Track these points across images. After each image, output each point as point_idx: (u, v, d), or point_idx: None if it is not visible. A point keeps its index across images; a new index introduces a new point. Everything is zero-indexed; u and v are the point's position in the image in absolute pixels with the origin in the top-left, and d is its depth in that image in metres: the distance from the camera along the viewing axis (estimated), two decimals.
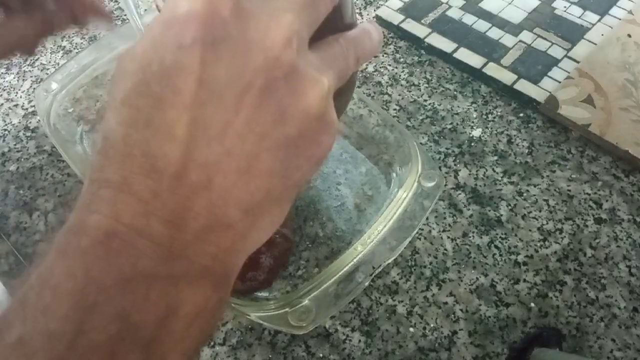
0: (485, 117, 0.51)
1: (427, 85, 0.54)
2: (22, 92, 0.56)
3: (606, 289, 0.40)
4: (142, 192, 0.16)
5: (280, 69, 0.17)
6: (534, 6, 0.60)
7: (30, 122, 0.53)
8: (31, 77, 0.57)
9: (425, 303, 0.39)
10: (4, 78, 0.57)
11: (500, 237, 0.43)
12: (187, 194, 0.16)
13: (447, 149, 0.48)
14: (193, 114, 0.16)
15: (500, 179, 0.46)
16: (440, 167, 0.47)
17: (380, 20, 0.60)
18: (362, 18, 0.61)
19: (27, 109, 0.54)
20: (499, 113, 0.51)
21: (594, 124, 0.48)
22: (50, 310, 0.16)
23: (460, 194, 0.45)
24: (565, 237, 0.43)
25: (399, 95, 0.53)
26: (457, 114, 0.51)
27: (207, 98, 0.16)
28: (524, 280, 0.40)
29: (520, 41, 0.57)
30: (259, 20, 0.17)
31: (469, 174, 0.47)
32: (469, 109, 0.51)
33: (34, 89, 0.54)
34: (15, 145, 0.51)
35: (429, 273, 0.41)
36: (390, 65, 0.55)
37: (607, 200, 0.45)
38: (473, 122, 0.50)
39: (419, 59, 0.56)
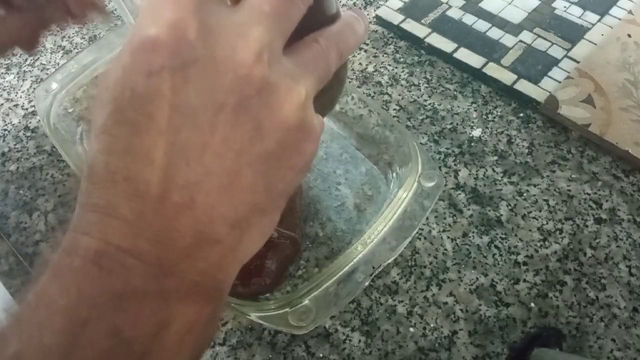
0: (485, 117, 0.51)
1: (427, 85, 0.54)
2: (22, 92, 0.56)
3: (606, 289, 0.40)
4: (127, 215, 0.16)
5: (252, 85, 0.17)
6: (534, 6, 0.60)
7: (30, 122, 0.53)
8: (31, 77, 0.57)
9: (425, 303, 0.39)
10: (4, 78, 0.57)
11: (500, 237, 0.43)
12: (171, 215, 0.17)
13: (447, 149, 0.48)
14: (169, 138, 0.16)
15: (500, 179, 0.46)
16: (440, 167, 0.47)
17: (380, 20, 0.60)
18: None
19: (27, 109, 0.54)
20: (499, 113, 0.51)
21: (594, 124, 0.48)
22: (44, 326, 0.16)
23: (460, 194, 0.45)
24: (565, 237, 0.43)
25: (399, 95, 0.53)
26: (457, 114, 0.51)
27: (181, 122, 0.16)
28: (524, 280, 0.40)
29: (520, 41, 0.57)
30: (226, 38, 0.17)
31: (469, 174, 0.47)
32: (469, 109, 0.51)
33: (34, 89, 0.54)
34: (15, 145, 0.51)
35: (429, 273, 0.41)
36: (390, 65, 0.55)
37: (607, 200, 0.45)
38: (473, 122, 0.50)
39: (419, 59, 0.56)
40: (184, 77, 0.16)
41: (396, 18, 0.59)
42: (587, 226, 0.43)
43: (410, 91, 0.53)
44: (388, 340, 0.38)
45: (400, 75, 0.54)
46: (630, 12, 0.59)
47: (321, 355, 0.37)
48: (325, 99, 0.21)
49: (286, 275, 0.40)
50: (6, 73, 0.57)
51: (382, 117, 0.43)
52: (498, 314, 0.39)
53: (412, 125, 0.50)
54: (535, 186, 0.46)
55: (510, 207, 0.44)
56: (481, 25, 0.59)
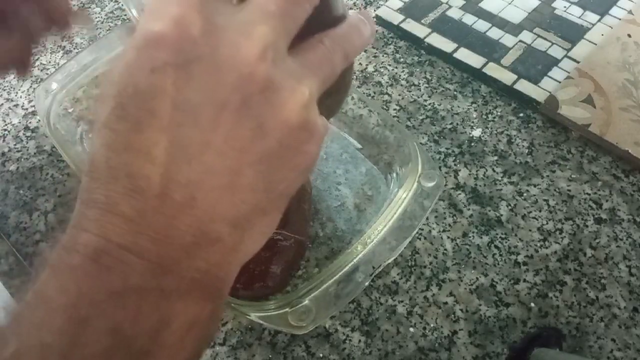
0: (485, 117, 0.51)
1: (427, 85, 0.54)
2: (22, 92, 0.56)
3: (606, 289, 0.40)
4: (128, 212, 0.16)
5: (255, 84, 0.17)
6: (534, 6, 0.60)
7: (30, 122, 0.53)
8: (31, 77, 0.57)
9: (425, 303, 0.39)
10: (4, 78, 0.57)
11: (500, 237, 0.43)
12: (172, 213, 0.17)
13: (447, 149, 0.48)
14: (170, 135, 0.16)
15: (500, 179, 0.46)
16: (440, 167, 0.47)
17: (380, 20, 0.60)
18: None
19: (27, 109, 0.54)
20: (499, 113, 0.51)
21: (594, 124, 0.48)
22: (44, 324, 0.16)
23: (460, 194, 0.45)
24: (565, 237, 0.43)
25: (399, 95, 0.53)
26: (457, 114, 0.51)
27: (182, 119, 0.16)
28: (524, 280, 0.40)
29: (520, 41, 0.57)
30: (230, 36, 0.17)
31: (469, 174, 0.47)
32: (469, 109, 0.51)
33: (34, 89, 0.54)
34: (15, 145, 0.51)
35: (429, 273, 0.41)
36: (390, 65, 0.55)
37: (607, 200, 0.45)
38: (473, 122, 0.50)
39: (419, 59, 0.56)
40: (187, 74, 0.16)
41: (396, 18, 0.59)
42: (587, 226, 0.43)
43: (410, 91, 0.53)
44: (388, 340, 0.38)
45: (400, 75, 0.54)
46: (630, 12, 0.59)
47: (321, 355, 0.37)
48: (330, 101, 0.21)
49: (291, 277, 0.40)
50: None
51: (382, 117, 0.43)
52: (498, 314, 0.39)
53: (412, 125, 0.50)
54: (535, 186, 0.46)
55: (510, 207, 0.44)
56: (481, 25, 0.59)
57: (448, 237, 0.43)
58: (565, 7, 0.60)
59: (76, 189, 0.18)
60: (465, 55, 0.55)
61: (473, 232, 0.43)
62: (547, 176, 0.46)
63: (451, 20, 0.59)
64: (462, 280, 0.40)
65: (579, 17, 0.59)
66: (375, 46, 0.57)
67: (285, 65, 0.18)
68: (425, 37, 0.57)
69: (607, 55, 0.54)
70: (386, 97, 0.53)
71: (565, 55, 0.55)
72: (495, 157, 0.48)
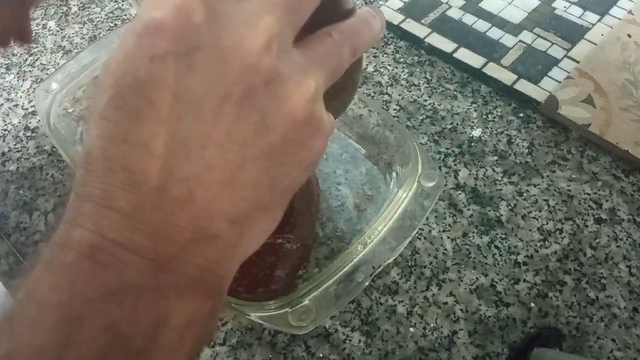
0: (485, 117, 0.51)
1: (427, 85, 0.54)
2: (22, 92, 0.56)
3: (606, 289, 0.40)
4: (124, 207, 0.16)
5: (259, 75, 0.16)
6: (534, 6, 0.60)
7: (30, 122, 0.53)
8: (31, 77, 0.57)
9: (425, 303, 0.39)
10: (4, 78, 0.57)
11: (500, 237, 0.43)
12: (169, 209, 0.16)
13: (447, 149, 0.48)
14: (170, 128, 0.16)
15: (500, 179, 0.46)
16: (440, 167, 0.47)
17: None
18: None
19: (27, 109, 0.54)
20: (499, 113, 0.51)
21: (594, 124, 0.48)
22: (36, 324, 0.15)
23: (460, 194, 0.45)
24: (565, 237, 0.43)
25: (399, 95, 0.53)
26: (457, 114, 0.51)
27: (183, 111, 0.16)
28: (524, 280, 0.40)
29: (520, 41, 0.57)
30: (234, 26, 0.16)
31: (469, 174, 0.47)
32: (469, 109, 0.51)
33: (34, 89, 0.54)
34: (15, 145, 0.51)
35: (429, 273, 0.41)
36: (390, 65, 0.55)
37: (607, 200, 0.45)
38: (473, 122, 0.50)
39: (419, 59, 0.56)
40: (188, 63, 0.16)
41: (396, 18, 0.59)
42: (587, 226, 0.43)
43: (410, 91, 0.53)
44: (388, 340, 0.38)
45: (400, 75, 0.54)
46: (630, 12, 0.59)
47: (321, 355, 0.37)
48: (337, 101, 0.20)
49: (296, 280, 0.40)
50: (6, 73, 0.57)
51: (382, 117, 0.43)
52: (498, 314, 0.39)
53: (412, 125, 0.50)
54: (535, 186, 0.46)
55: (510, 207, 0.44)
56: (481, 25, 0.59)
57: (448, 237, 0.43)
58: (565, 7, 0.60)
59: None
60: (465, 55, 0.55)
61: (473, 232, 0.43)
62: (547, 176, 0.46)
63: (451, 20, 0.59)
64: (462, 280, 0.40)
65: (579, 17, 0.59)
66: (375, 46, 0.57)
67: (290, 57, 0.17)
68: (425, 37, 0.57)
69: (607, 55, 0.54)
70: (386, 97, 0.53)
71: (565, 55, 0.55)
72: (495, 157, 0.48)
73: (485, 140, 0.49)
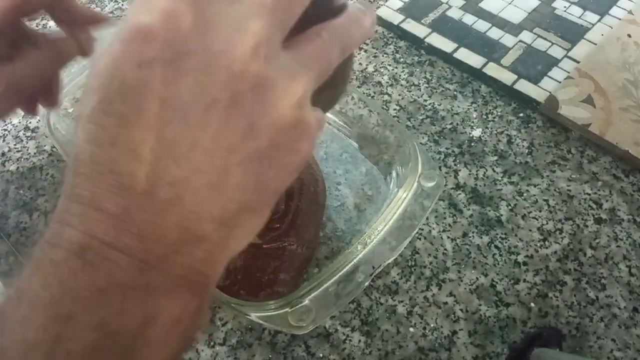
0: (485, 117, 0.51)
1: (427, 85, 0.54)
2: None
3: (606, 289, 0.40)
4: (112, 209, 0.16)
5: (247, 81, 0.16)
6: (534, 6, 0.60)
7: (30, 122, 0.53)
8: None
9: (425, 303, 0.39)
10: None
11: (500, 237, 0.43)
12: (157, 211, 0.16)
13: (447, 149, 0.48)
14: (157, 133, 0.16)
15: (500, 179, 0.46)
16: (440, 167, 0.47)
17: (380, 20, 0.60)
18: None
19: None
20: (499, 113, 0.51)
21: (594, 124, 0.48)
22: (27, 321, 0.16)
23: (460, 194, 0.45)
24: (565, 237, 0.43)
25: (399, 95, 0.53)
26: (457, 114, 0.51)
27: (170, 117, 0.16)
28: (524, 280, 0.40)
29: (520, 41, 0.57)
30: (222, 31, 0.16)
31: (469, 174, 0.47)
32: (469, 109, 0.51)
33: None
34: (15, 145, 0.51)
35: (429, 273, 0.41)
36: (390, 65, 0.55)
37: (607, 200, 0.45)
38: (473, 122, 0.50)
39: (419, 59, 0.56)
40: (175, 70, 0.16)
41: (396, 18, 0.59)
42: (587, 226, 0.43)
43: (410, 91, 0.53)
44: (388, 340, 0.38)
45: (400, 75, 0.54)
46: (630, 12, 0.59)
47: (321, 355, 0.37)
48: (327, 95, 0.20)
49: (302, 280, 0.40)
50: None
51: (382, 117, 0.43)
52: (498, 314, 0.39)
53: (412, 125, 0.50)
54: (535, 186, 0.46)
55: (510, 207, 0.44)
56: (481, 25, 0.59)
57: (448, 237, 0.43)
58: (565, 7, 0.60)
59: None
60: (465, 55, 0.55)
61: (473, 232, 0.43)
62: (547, 176, 0.46)
63: (451, 20, 0.59)
64: (462, 280, 0.40)
65: (579, 17, 0.59)
66: (375, 46, 0.57)
67: (279, 61, 0.17)
68: (425, 37, 0.57)
69: (607, 55, 0.54)
70: (386, 97, 0.53)
71: (565, 55, 0.55)
72: (495, 157, 0.48)
73: (485, 140, 0.49)
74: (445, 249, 0.42)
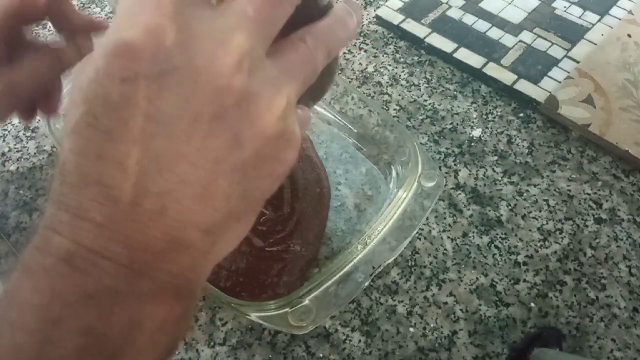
0: (485, 117, 0.51)
1: (427, 85, 0.54)
2: None
3: (606, 289, 0.40)
4: (98, 219, 0.16)
5: (231, 95, 0.16)
6: (534, 6, 0.60)
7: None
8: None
9: (425, 303, 0.39)
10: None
11: (500, 237, 0.43)
12: (143, 221, 0.16)
13: (447, 149, 0.48)
14: (143, 146, 0.16)
15: (500, 179, 0.46)
16: (440, 167, 0.47)
17: (380, 20, 0.60)
18: (362, 18, 0.61)
19: None
20: (499, 113, 0.51)
21: (594, 124, 0.48)
22: (17, 324, 0.16)
23: (460, 194, 0.45)
24: (565, 237, 0.43)
25: (399, 95, 0.53)
26: (457, 114, 0.51)
27: (155, 131, 0.16)
28: (524, 280, 0.40)
29: (520, 41, 0.57)
30: (206, 46, 0.16)
31: (469, 174, 0.47)
32: (469, 109, 0.51)
33: None
34: (15, 145, 0.51)
35: (429, 273, 0.41)
36: (390, 65, 0.55)
37: (607, 200, 0.45)
38: (473, 122, 0.50)
39: (419, 59, 0.56)
40: (159, 85, 0.16)
41: (396, 18, 0.59)
42: (587, 226, 0.43)
43: (410, 91, 0.53)
44: (388, 340, 0.38)
45: (400, 75, 0.54)
46: (630, 12, 0.59)
47: (321, 355, 0.37)
48: (313, 89, 0.20)
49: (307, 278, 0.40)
50: None
51: (382, 117, 0.43)
52: (498, 314, 0.39)
53: (412, 125, 0.50)
54: (535, 186, 0.46)
55: (510, 207, 0.44)
56: (481, 25, 0.59)
57: (448, 237, 0.43)
58: (565, 7, 0.60)
59: None
60: (465, 55, 0.55)
61: (473, 232, 0.43)
62: (547, 176, 0.46)
63: (451, 20, 0.59)
64: (462, 280, 0.40)
65: (579, 17, 0.59)
66: (375, 46, 0.57)
67: (263, 72, 0.17)
68: (425, 37, 0.57)
69: (607, 55, 0.54)
70: (386, 97, 0.53)
71: (565, 55, 0.55)
72: (495, 157, 0.48)
73: (485, 140, 0.49)
74: (445, 249, 0.42)
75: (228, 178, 0.17)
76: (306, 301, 0.33)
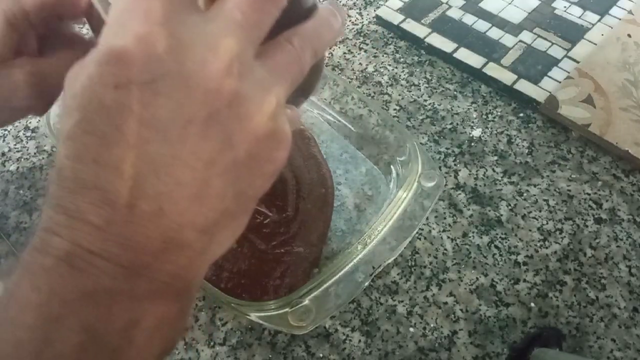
0: (485, 117, 0.51)
1: (427, 85, 0.54)
2: None
3: (606, 289, 0.40)
4: (96, 221, 0.17)
5: (222, 98, 0.17)
6: (534, 6, 0.60)
7: (30, 122, 0.53)
8: None
9: (425, 303, 0.39)
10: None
11: (500, 237, 0.43)
12: (140, 222, 0.17)
13: (447, 149, 0.48)
14: (138, 151, 0.16)
15: (500, 179, 0.46)
16: (440, 167, 0.47)
17: (380, 20, 0.60)
18: (362, 18, 0.61)
19: None
20: (499, 113, 0.51)
21: (594, 124, 0.48)
22: (17, 322, 0.16)
23: (460, 194, 0.45)
24: (565, 237, 0.43)
25: (399, 95, 0.53)
26: (457, 114, 0.51)
27: (150, 135, 0.16)
28: (524, 280, 0.40)
29: (520, 41, 0.57)
30: (196, 51, 0.17)
31: (469, 174, 0.47)
32: (469, 109, 0.51)
33: None
34: (15, 145, 0.51)
35: (429, 273, 0.41)
36: (390, 65, 0.55)
37: (607, 200, 0.45)
38: (473, 122, 0.50)
39: (419, 59, 0.56)
40: (152, 91, 0.16)
41: (396, 18, 0.59)
42: (587, 226, 0.43)
43: (410, 91, 0.53)
44: (388, 340, 0.38)
45: (400, 75, 0.54)
46: (630, 12, 0.59)
47: (321, 355, 0.37)
48: (301, 88, 0.20)
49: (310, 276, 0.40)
50: None
51: (382, 117, 0.43)
52: (498, 314, 0.39)
53: (412, 125, 0.50)
54: (535, 186, 0.46)
55: (510, 207, 0.44)
56: (481, 25, 0.59)
57: (448, 237, 0.43)
58: (565, 7, 0.60)
59: None
60: (465, 55, 0.55)
61: (473, 232, 0.43)
62: (547, 176, 0.46)
63: (451, 20, 0.59)
64: (462, 280, 0.40)
65: (579, 17, 0.59)
66: (375, 46, 0.57)
67: (252, 75, 0.18)
68: (425, 37, 0.57)
69: (607, 55, 0.54)
70: (386, 97, 0.53)
71: (565, 55, 0.55)
72: (495, 157, 0.48)
73: (485, 140, 0.49)
74: (445, 249, 0.42)
75: (222, 178, 0.18)
76: (306, 301, 0.33)
